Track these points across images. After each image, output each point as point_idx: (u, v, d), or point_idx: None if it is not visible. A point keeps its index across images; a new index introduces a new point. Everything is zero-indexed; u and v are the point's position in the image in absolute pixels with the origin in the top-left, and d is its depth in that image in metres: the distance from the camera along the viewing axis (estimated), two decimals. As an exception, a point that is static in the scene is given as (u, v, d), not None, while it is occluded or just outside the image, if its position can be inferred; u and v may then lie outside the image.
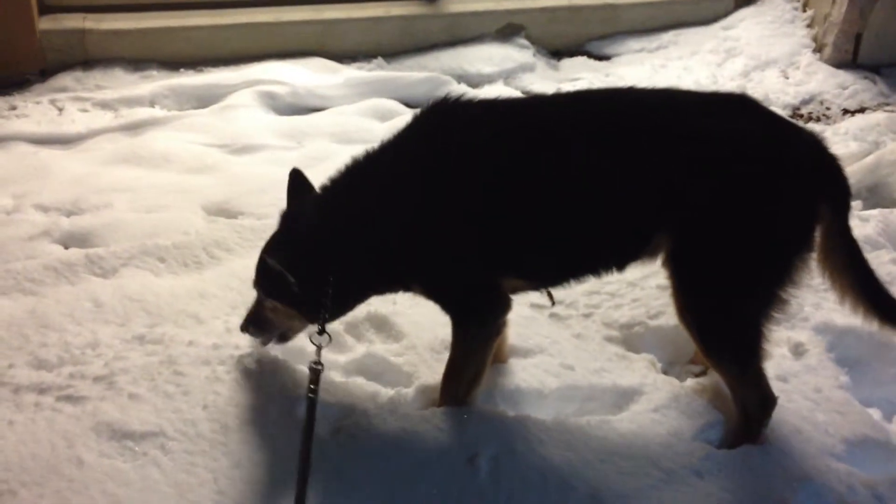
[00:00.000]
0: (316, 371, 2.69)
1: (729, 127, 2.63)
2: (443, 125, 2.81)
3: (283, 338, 3.09)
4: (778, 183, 2.61)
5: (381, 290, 3.02)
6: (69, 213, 4.35)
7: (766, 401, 2.89)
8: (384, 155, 2.84)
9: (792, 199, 2.65)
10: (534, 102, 2.95)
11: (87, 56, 6.07)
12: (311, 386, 2.65)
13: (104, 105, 5.61)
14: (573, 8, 6.64)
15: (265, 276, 2.89)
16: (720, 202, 2.63)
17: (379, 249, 2.80)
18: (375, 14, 6.40)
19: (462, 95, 2.85)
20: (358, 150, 2.93)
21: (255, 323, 3.04)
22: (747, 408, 2.89)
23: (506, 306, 2.93)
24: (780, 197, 2.63)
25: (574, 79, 6.20)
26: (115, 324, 3.42)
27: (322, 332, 2.78)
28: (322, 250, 2.78)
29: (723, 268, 2.69)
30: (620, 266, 2.91)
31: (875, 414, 3.17)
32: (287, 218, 2.96)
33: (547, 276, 2.95)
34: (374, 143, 2.90)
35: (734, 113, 2.71)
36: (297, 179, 3.01)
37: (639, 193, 2.70)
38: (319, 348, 2.76)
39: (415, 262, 2.84)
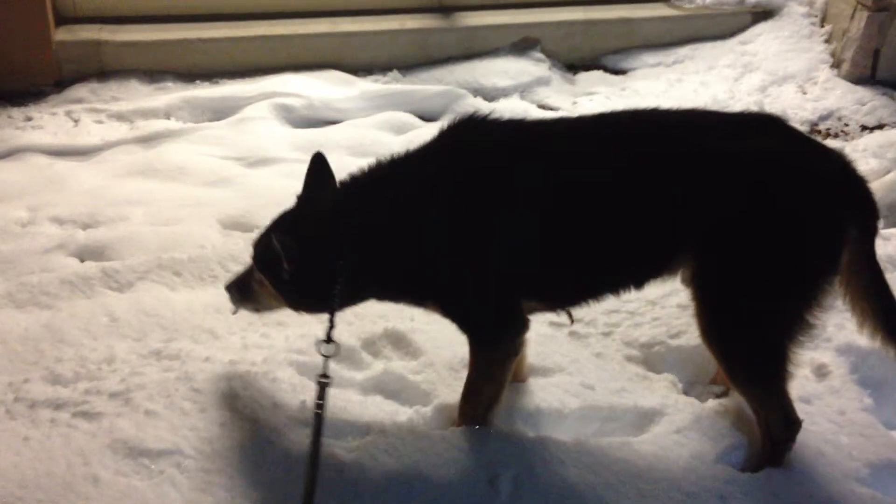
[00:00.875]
0: (323, 385, 2.63)
1: (757, 147, 2.61)
2: (469, 141, 2.79)
3: (257, 309, 3.07)
4: (807, 205, 2.58)
5: (384, 297, 2.97)
6: (85, 226, 4.34)
7: (791, 424, 2.85)
8: (408, 164, 2.79)
9: (821, 221, 2.61)
10: (558, 123, 2.92)
11: (102, 67, 6.07)
12: (319, 402, 2.59)
13: (120, 117, 5.61)
14: (589, 22, 6.62)
15: (263, 251, 2.84)
16: (747, 223, 2.59)
17: (390, 259, 2.76)
18: (391, 27, 6.39)
19: (490, 113, 2.81)
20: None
21: (239, 287, 3.02)
22: (772, 431, 2.85)
23: (523, 327, 2.89)
24: (809, 219, 2.60)
25: (590, 93, 6.18)
26: (131, 339, 3.40)
27: (329, 340, 2.70)
28: (327, 246, 2.72)
29: (749, 290, 2.66)
30: (640, 285, 2.88)
31: (899, 437, 3.13)
32: (302, 202, 2.91)
33: (566, 297, 2.92)
34: (397, 151, 2.86)
35: (762, 133, 2.68)
36: (318, 164, 2.91)
37: (663, 214, 2.67)
38: (326, 359, 2.68)
39: (430, 279, 2.80)
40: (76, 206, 4.49)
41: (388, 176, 2.80)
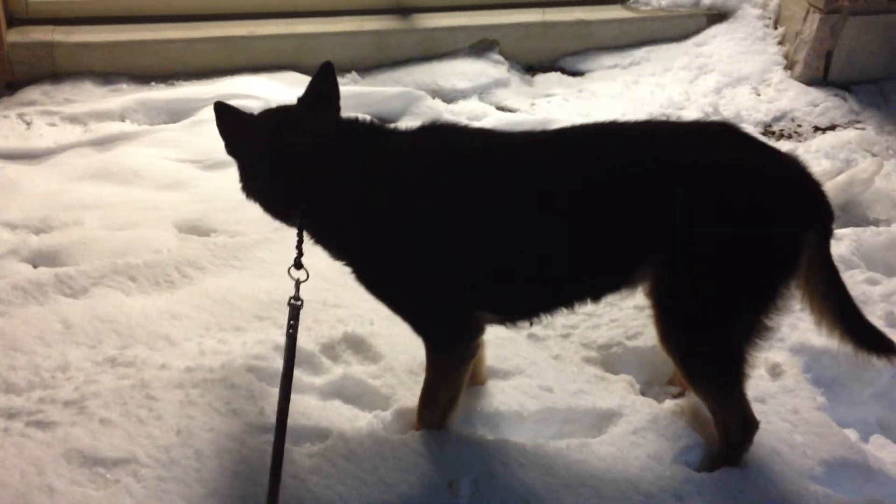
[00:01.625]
0: (295, 307, 2.69)
1: (714, 157, 2.63)
2: (437, 144, 2.78)
3: None
4: (765, 213, 2.61)
5: (328, 249, 2.91)
6: (38, 231, 4.26)
7: (748, 425, 2.89)
8: (393, 140, 2.79)
9: (779, 228, 2.64)
10: (518, 136, 2.90)
11: (55, 69, 5.97)
12: (291, 322, 2.67)
13: (73, 119, 5.51)
14: (547, 24, 6.64)
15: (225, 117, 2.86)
16: (707, 233, 2.62)
17: (348, 214, 2.75)
18: (349, 28, 6.37)
19: (453, 122, 2.82)
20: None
21: None
22: (729, 432, 2.88)
23: (477, 330, 2.90)
24: (768, 226, 2.63)
25: (548, 94, 6.20)
26: (85, 346, 3.35)
27: (299, 266, 2.74)
28: (294, 161, 2.73)
29: (710, 298, 2.69)
30: (597, 299, 2.91)
31: (852, 435, 3.17)
32: (302, 104, 2.85)
33: (519, 311, 2.91)
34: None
35: (719, 142, 2.71)
36: (327, 73, 2.85)
37: (621, 228, 2.68)
38: (297, 283, 2.72)
39: (381, 269, 2.80)
40: (29, 211, 4.41)
41: (372, 148, 2.77)
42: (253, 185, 2.87)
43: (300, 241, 2.75)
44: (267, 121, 2.84)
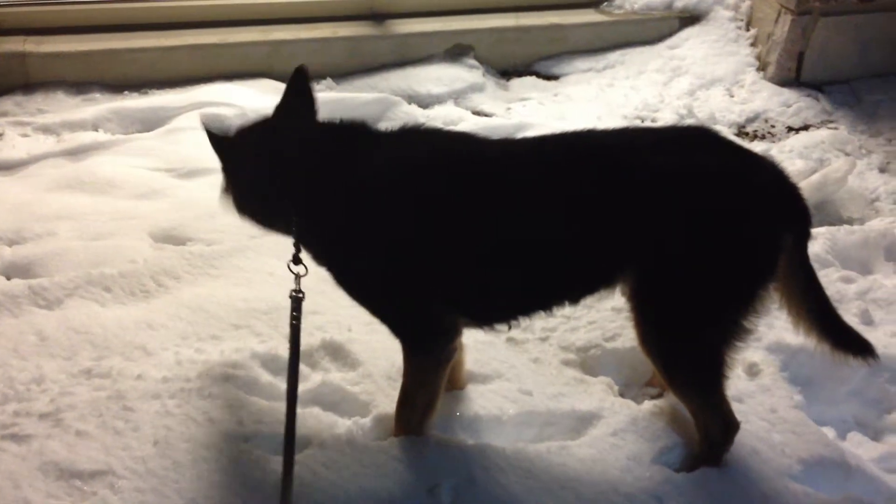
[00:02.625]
0: (297, 299, 2.73)
1: (691, 162, 2.64)
2: (404, 150, 2.78)
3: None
4: (743, 217, 2.62)
5: (310, 251, 2.91)
6: (11, 243, 4.21)
7: (729, 427, 2.90)
8: (371, 143, 2.79)
9: (757, 232, 2.66)
10: (495, 142, 2.90)
11: (27, 79, 5.92)
12: (294, 313, 2.72)
13: (46, 129, 5.46)
14: (521, 28, 6.66)
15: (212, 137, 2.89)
16: (685, 238, 2.62)
17: (328, 219, 2.77)
18: (323, 35, 6.35)
19: (430, 125, 2.82)
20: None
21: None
22: (710, 434, 2.90)
23: (455, 334, 2.90)
24: (746, 230, 2.64)
25: (523, 99, 6.21)
26: (60, 357, 3.31)
27: (297, 261, 2.77)
28: (280, 172, 2.76)
29: (689, 302, 2.70)
30: (575, 303, 2.91)
31: (829, 433, 3.20)
32: (277, 114, 2.85)
33: (497, 317, 2.91)
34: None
35: (695, 147, 2.71)
36: (300, 79, 2.85)
37: (599, 234, 2.68)
38: (297, 277, 2.76)
39: (353, 260, 2.80)
40: (1, 223, 4.35)
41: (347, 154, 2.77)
42: (245, 202, 2.91)
43: (297, 238, 2.78)
44: (247, 136, 2.86)
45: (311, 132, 2.81)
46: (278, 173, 2.76)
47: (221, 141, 2.88)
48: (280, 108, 2.85)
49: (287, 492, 2.55)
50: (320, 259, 2.85)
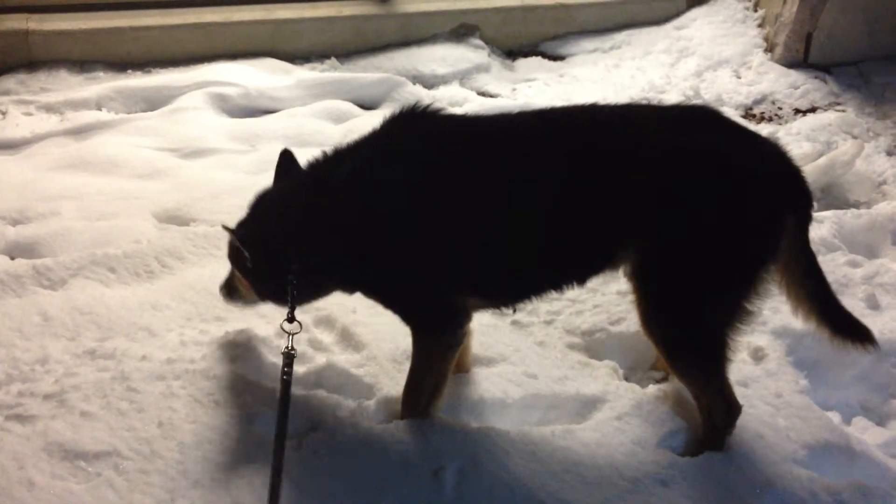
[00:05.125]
0: (290, 356, 2.72)
1: (695, 142, 2.62)
2: (404, 136, 2.76)
3: (245, 303, 3.17)
4: (746, 197, 2.61)
5: (340, 288, 2.98)
6: (15, 222, 4.21)
7: (732, 409, 2.90)
8: (347, 158, 2.79)
9: (760, 212, 2.64)
10: (497, 119, 2.89)
11: (31, 58, 5.90)
12: (286, 369, 2.69)
13: (49, 108, 5.46)
14: (527, 8, 6.62)
15: (230, 247, 2.94)
16: (688, 217, 2.61)
17: (331, 251, 2.77)
18: (328, 14, 6.32)
19: (429, 105, 2.79)
20: (313, 152, 2.89)
21: (226, 287, 3.16)
22: (713, 417, 2.89)
23: (465, 318, 2.89)
24: (749, 211, 2.62)
25: (529, 79, 6.18)
26: (64, 338, 3.32)
27: (291, 319, 2.79)
28: (280, 239, 2.79)
29: (691, 282, 2.68)
30: (582, 282, 2.90)
31: (834, 417, 3.19)
32: (262, 197, 2.94)
33: (508, 296, 2.91)
34: (334, 144, 2.89)
35: (698, 126, 2.70)
36: (285, 161, 2.99)
37: (602, 211, 2.67)
38: (290, 336, 2.77)
39: (365, 270, 2.80)
40: (5, 202, 4.36)
41: (324, 170, 2.81)
42: (265, 287, 2.94)
43: (293, 298, 2.79)
44: (255, 231, 2.86)
45: (294, 190, 2.89)
46: (280, 236, 2.80)
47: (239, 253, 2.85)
48: (271, 188, 2.97)
49: None
50: (346, 286, 2.93)
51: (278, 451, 2.55)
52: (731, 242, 2.64)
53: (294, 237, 2.76)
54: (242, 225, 2.89)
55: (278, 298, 2.90)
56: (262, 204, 2.92)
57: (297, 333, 2.78)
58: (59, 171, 4.73)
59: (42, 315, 3.42)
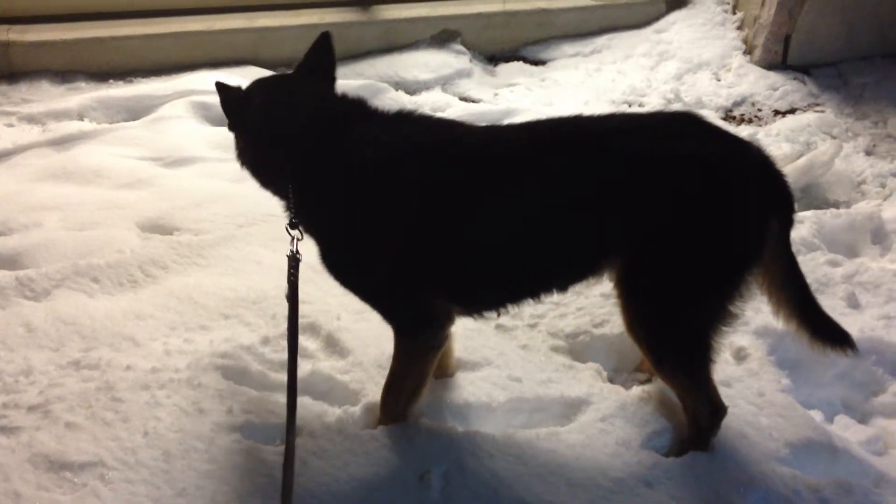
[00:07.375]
0: (295, 258, 2.73)
1: (678, 148, 2.63)
2: (397, 135, 2.76)
3: None
4: (730, 203, 2.63)
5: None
6: (-3, 234, 4.20)
7: (717, 410, 2.92)
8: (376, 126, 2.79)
9: (744, 217, 2.66)
10: (485, 130, 2.89)
11: (11, 69, 5.89)
12: (292, 270, 2.72)
13: (31, 119, 5.45)
14: (508, 13, 6.65)
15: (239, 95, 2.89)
16: (673, 224, 2.62)
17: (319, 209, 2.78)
18: (310, 21, 6.33)
19: (417, 110, 2.81)
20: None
21: None
22: (698, 418, 2.91)
23: (446, 320, 2.89)
24: (733, 215, 2.64)
25: (511, 84, 6.21)
26: (48, 349, 3.31)
27: (294, 226, 2.77)
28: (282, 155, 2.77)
29: (676, 287, 2.70)
30: (563, 290, 2.92)
31: (816, 416, 3.21)
32: (295, 76, 2.92)
33: (484, 302, 2.91)
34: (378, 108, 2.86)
35: (682, 133, 2.71)
36: (324, 43, 2.95)
37: (586, 220, 2.68)
38: (294, 240, 2.76)
39: (341, 254, 2.80)
40: (-13, 213, 4.35)
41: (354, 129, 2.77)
42: (246, 155, 2.93)
43: (295, 203, 2.76)
44: (259, 92, 2.87)
45: (319, 102, 2.83)
46: (280, 138, 2.77)
47: (232, 98, 2.87)
48: (297, 70, 2.92)
49: (290, 451, 2.53)
50: (310, 232, 2.85)
51: (292, 357, 2.62)
52: (717, 247, 2.66)
53: (299, 152, 2.75)
54: (263, 85, 2.89)
55: (250, 169, 2.94)
56: (292, 87, 2.88)
57: (300, 240, 2.77)
58: (41, 182, 4.72)
59: (26, 326, 3.41)
